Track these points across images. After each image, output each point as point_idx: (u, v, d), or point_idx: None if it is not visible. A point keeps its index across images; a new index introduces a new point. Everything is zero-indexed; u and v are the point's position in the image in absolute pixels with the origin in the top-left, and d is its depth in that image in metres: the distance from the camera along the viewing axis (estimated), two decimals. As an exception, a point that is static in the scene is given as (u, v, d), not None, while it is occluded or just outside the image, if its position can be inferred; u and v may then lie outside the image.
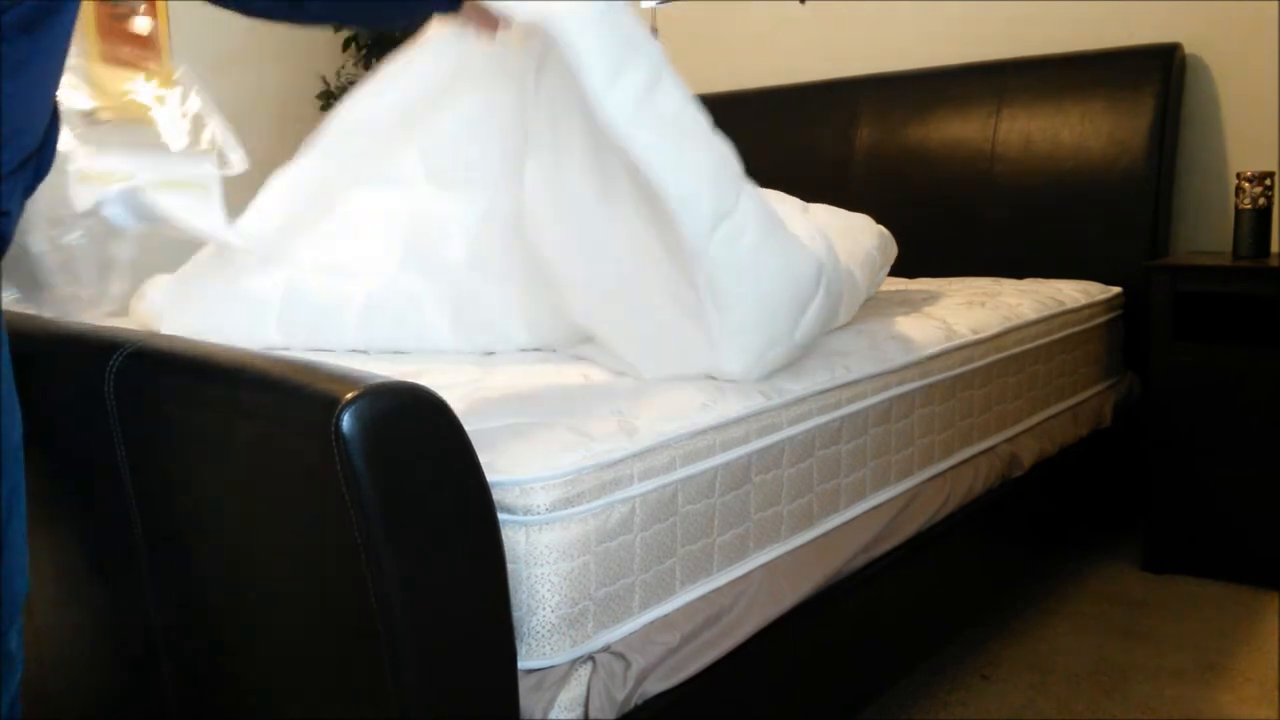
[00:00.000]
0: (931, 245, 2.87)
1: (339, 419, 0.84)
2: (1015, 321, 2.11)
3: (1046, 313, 2.23)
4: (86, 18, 3.57)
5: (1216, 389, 2.31)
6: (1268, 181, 2.32)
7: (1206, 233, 2.71)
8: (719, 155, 1.36)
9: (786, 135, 3.21)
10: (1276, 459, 2.26)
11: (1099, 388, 2.49)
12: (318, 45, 4.16)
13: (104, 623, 1.28)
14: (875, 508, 1.66)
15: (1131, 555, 2.51)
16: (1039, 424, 2.20)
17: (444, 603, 0.92)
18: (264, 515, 0.97)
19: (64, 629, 1.37)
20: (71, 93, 1.27)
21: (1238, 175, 2.36)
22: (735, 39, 3.54)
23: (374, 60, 4.01)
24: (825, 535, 1.54)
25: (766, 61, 3.47)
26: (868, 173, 3.02)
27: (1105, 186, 2.63)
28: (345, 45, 4.07)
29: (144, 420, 1.07)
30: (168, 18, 3.72)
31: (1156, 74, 2.59)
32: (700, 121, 1.36)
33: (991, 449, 2.01)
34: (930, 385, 1.80)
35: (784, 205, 1.80)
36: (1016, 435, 2.10)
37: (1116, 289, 2.57)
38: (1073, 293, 2.41)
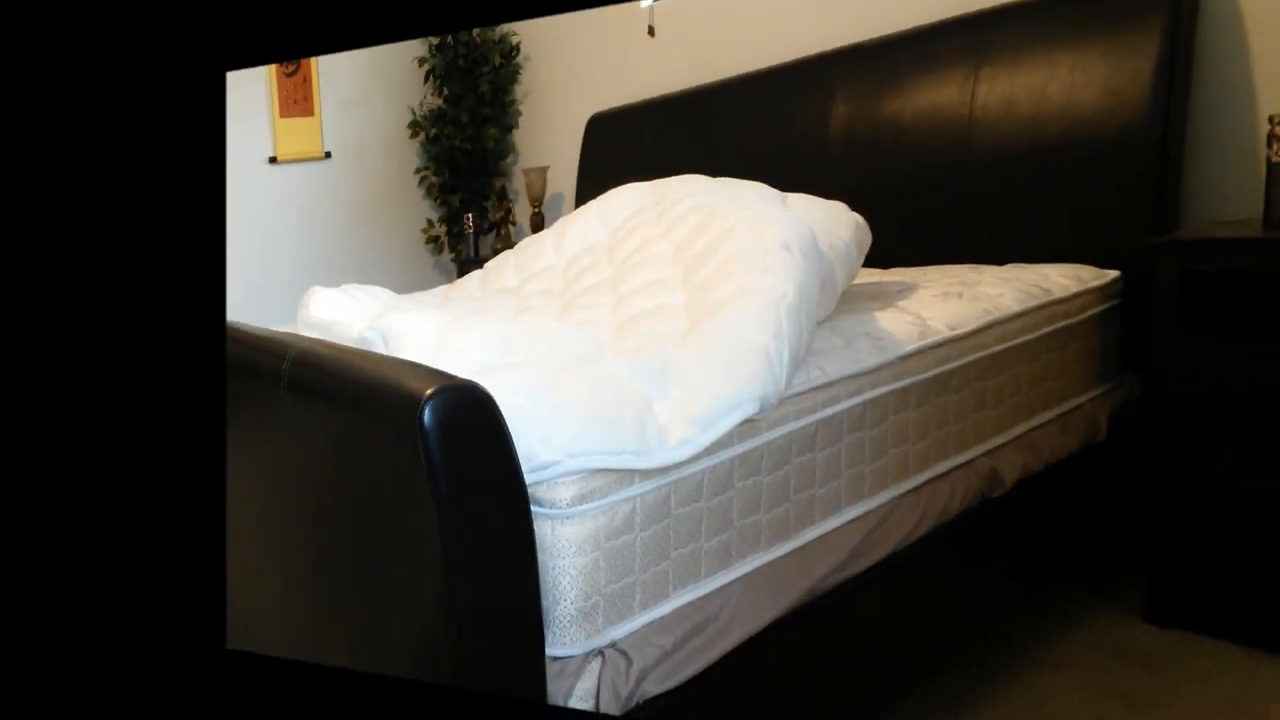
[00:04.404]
0: (909, 227, 2.73)
1: (422, 412, 1.02)
2: (995, 315, 1.97)
3: (1031, 304, 2.05)
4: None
5: (1235, 392, 1.91)
6: (1305, 126, 1.91)
7: (1229, 196, 2.35)
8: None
9: (764, 120, 3.20)
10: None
11: (1092, 394, 2.24)
12: (406, 80, 4.81)
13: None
14: (850, 522, 1.66)
15: (1132, 602, 2.13)
16: (1022, 435, 2.03)
17: (493, 583, 1.10)
18: (351, 490, 1.22)
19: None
20: None
21: (1270, 119, 1.94)
22: (708, 30, 3.59)
23: (445, 90, 4.60)
24: (802, 549, 1.58)
25: (739, 49, 3.47)
26: (844, 153, 2.94)
27: (1100, 148, 2.34)
28: (425, 79, 4.60)
29: (296, 408, 1.31)
30: (316, 67, 4.45)
31: (1163, 3, 2.28)
32: None
33: (969, 463, 1.89)
34: (904, 388, 1.75)
35: (765, 200, 1.84)
36: (997, 448, 1.96)
37: (1114, 273, 2.28)
38: (1061, 279, 2.19)
